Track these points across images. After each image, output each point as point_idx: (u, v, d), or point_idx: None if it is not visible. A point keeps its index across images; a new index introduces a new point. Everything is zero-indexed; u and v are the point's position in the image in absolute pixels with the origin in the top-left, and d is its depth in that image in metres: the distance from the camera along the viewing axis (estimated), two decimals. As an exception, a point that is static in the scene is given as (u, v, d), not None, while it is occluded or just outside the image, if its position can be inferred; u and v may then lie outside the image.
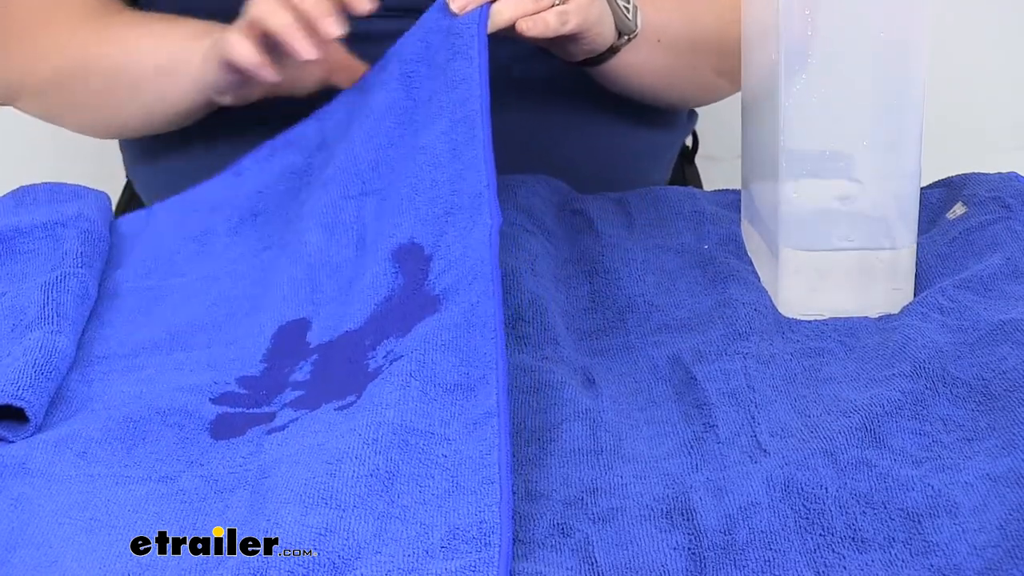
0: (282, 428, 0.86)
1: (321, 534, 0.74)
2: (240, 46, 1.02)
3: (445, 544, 0.75)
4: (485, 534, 0.74)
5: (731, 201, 1.12)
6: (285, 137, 1.07)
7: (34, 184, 1.11)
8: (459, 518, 0.76)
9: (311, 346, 0.93)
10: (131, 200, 1.36)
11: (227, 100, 1.10)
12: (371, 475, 0.78)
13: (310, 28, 0.99)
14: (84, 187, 1.11)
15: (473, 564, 0.73)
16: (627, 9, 1.09)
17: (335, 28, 0.99)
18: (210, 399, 0.90)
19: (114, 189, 1.33)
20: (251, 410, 0.89)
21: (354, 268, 0.97)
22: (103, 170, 1.51)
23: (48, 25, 1.17)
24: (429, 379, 0.84)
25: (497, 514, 0.75)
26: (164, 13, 1.16)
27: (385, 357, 0.88)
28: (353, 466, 0.78)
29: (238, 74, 1.05)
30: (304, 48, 1.00)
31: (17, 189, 1.11)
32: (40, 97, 1.20)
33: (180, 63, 1.11)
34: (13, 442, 0.86)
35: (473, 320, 0.86)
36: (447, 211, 0.93)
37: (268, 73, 1.02)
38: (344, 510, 0.75)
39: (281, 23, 1.00)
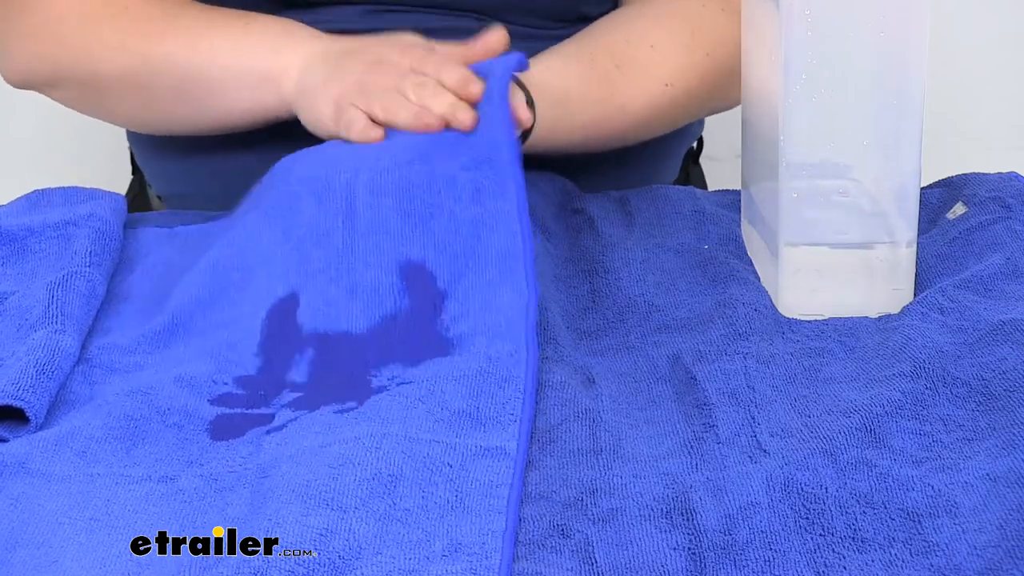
0: (281, 428, 0.86)
1: (322, 535, 0.74)
2: (366, 130, 1.00)
3: (447, 553, 0.75)
4: (488, 552, 0.75)
5: (731, 201, 1.12)
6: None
7: (49, 188, 1.11)
8: (462, 534, 0.76)
9: (303, 332, 0.93)
10: (138, 194, 1.35)
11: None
12: (373, 478, 0.78)
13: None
14: (99, 190, 1.10)
15: (474, 569, 0.73)
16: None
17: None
18: (208, 400, 0.90)
19: (120, 190, 1.33)
20: (249, 411, 0.89)
21: (344, 243, 0.95)
22: (114, 168, 1.51)
23: (105, 15, 1.13)
24: (438, 403, 0.85)
25: (500, 540, 0.76)
26: (228, 7, 1.12)
27: (391, 380, 0.89)
28: (355, 470, 0.78)
29: None
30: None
31: (32, 192, 1.10)
32: (85, 90, 1.17)
33: (265, 80, 1.08)
34: (10, 440, 0.86)
35: (491, 370, 0.88)
36: (467, 253, 0.93)
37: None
38: (345, 512, 0.75)
39: (414, 124, 0.99)
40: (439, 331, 0.91)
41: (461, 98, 0.99)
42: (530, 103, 1.03)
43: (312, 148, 1.01)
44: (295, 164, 1.00)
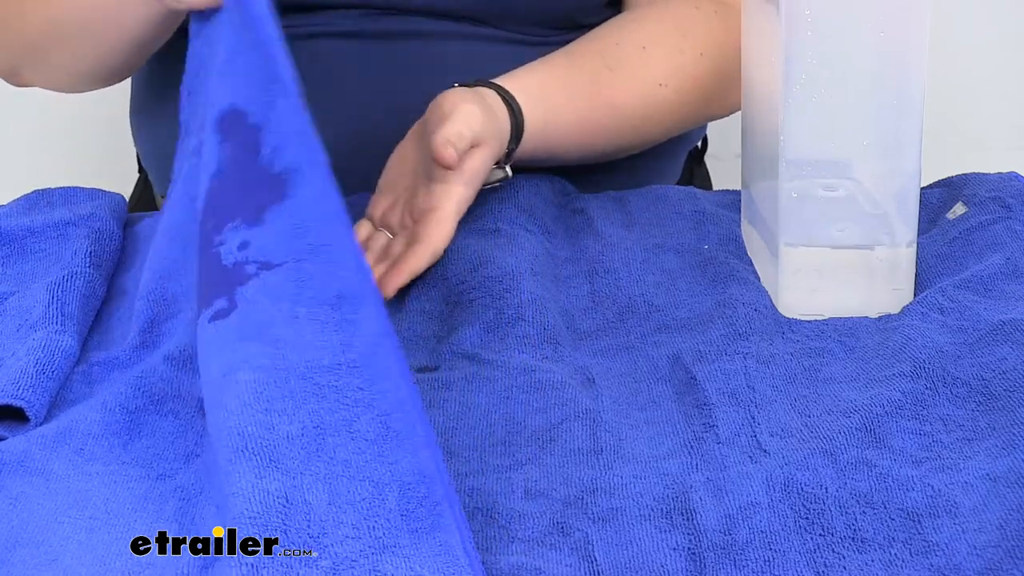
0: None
1: (284, 504, 0.73)
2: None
3: (403, 511, 0.74)
4: (431, 491, 0.74)
5: (731, 201, 1.12)
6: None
7: (49, 188, 1.11)
8: (403, 472, 0.75)
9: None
10: (143, 193, 1.35)
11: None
12: (302, 433, 0.76)
13: None
14: (99, 190, 1.10)
15: (437, 540, 0.73)
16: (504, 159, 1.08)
17: None
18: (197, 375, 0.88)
19: (126, 189, 1.33)
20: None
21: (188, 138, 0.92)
22: (115, 168, 1.51)
23: None
24: (312, 298, 0.81)
25: (433, 465, 0.75)
26: None
27: (241, 250, 0.83)
28: (282, 420, 0.76)
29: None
30: None
31: (32, 192, 1.11)
32: (31, 68, 1.18)
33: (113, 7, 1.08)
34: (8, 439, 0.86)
35: (329, 214, 0.82)
36: (271, 79, 0.86)
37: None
38: (294, 477, 0.74)
39: None
40: (266, 168, 0.84)
41: None
42: (514, 107, 1.04)
43: None
44: None
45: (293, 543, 0.72)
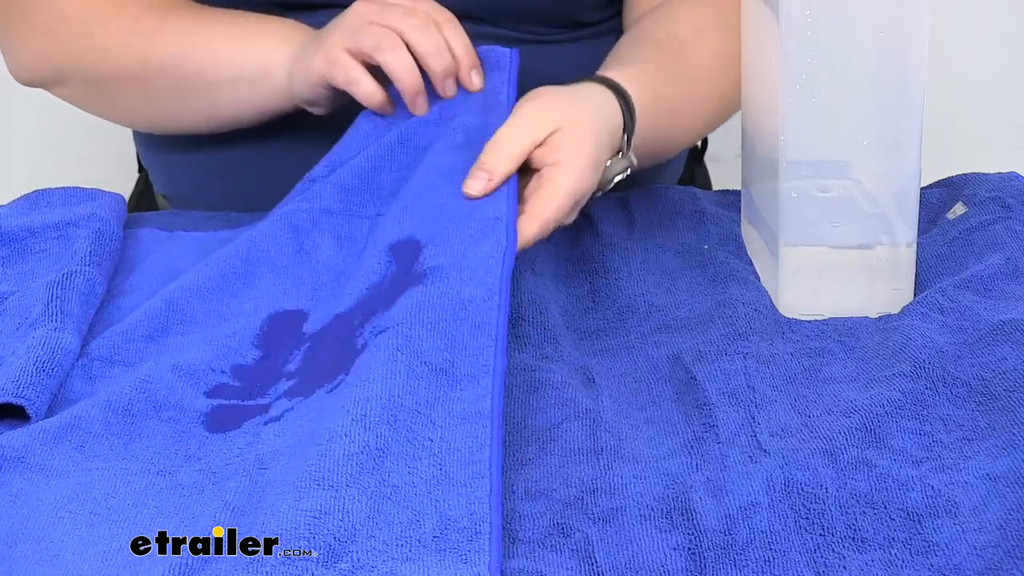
0: (278, 419, 0.86)
1: (316, 517, 0.74)
2: (366, 86, 1.02)
3: (437, 534, 0.75)
4: (476, 524, 0.75)
5: (731, 201, 1.12)
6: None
7: (49, 188, 1.11)
8: (450, 508, 0.76)
9: (305, 335, 0.94)
10: (143, 192, 1.35)
11: (320, 111, 1.09)
12: (362, 452, 0.78)
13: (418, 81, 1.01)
14: (99, 190, 1.11)
15: (464, 557, 0.73)
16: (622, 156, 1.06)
17: (451, 89, 1.03)
18: (204, 393, 0.90)
19: (126, 188, 1.33)
20: (245, 402, 0.89)
21: (354, 262, 0.97)
22: (115, 168, 1.51)
23: (106, 15, 1.13)
24: (415, 354, 0.85)
25: (487, 505, 0.76)
26: (227, 8, 1.13)
27: (371, 331, 0.88)
28: (343, 444, 0.78)
29: (338, 92, 1.04)
30: (421, 107, 1.03)
31: (32, 192, 1.11)
32: (88, 88, 1.17)
33: (262, 75, 1.09)
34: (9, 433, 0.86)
35: (463, 316, 0.87)
36: (452, 217, 0.94)
37: (390, 111, 1.04)
38: (337, 490, 0.76)
39: (403, 71, 1.01)
40: (415, 271, 0.91)
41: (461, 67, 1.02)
42: (631, 114, 1.04)
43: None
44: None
45: (319, 546, 0.73)
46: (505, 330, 0.87)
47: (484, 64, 1.04)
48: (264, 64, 1.09)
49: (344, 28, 1.03)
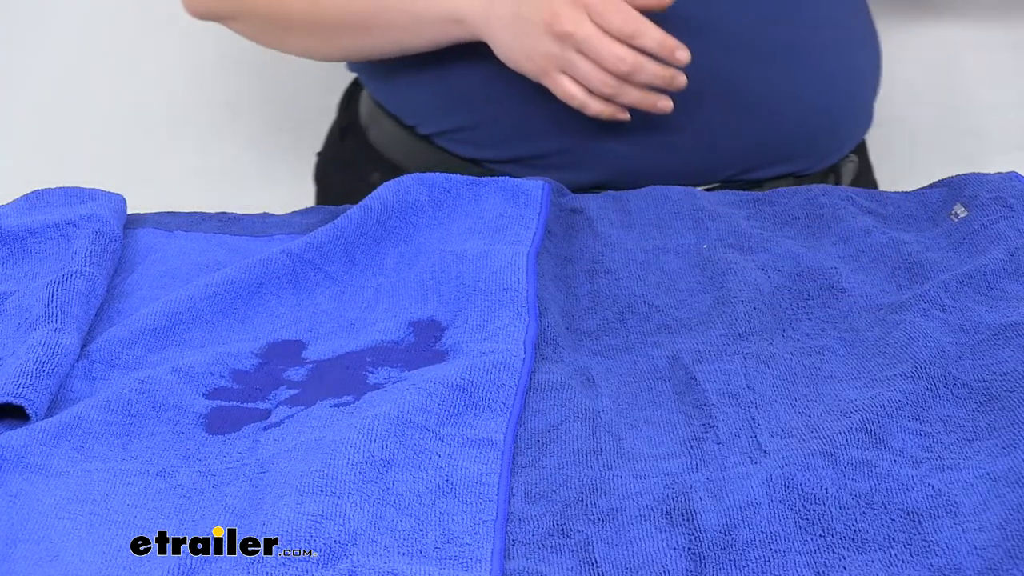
0: (278, 424, 0.86)
1: (317, 522, 0.74)
2: (596, 107, 1.11)
3: (439, 546, 0.75)
4: (479, 543, 0.75)
5: (731, 201, 1.12)
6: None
7: (49, 188, 1.11)
8: (454, 524, 0.77)
9: (307, 361, 0.94)
10: (348, 127, 1.34)
11: None
12: (366, 462, 0.79)
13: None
14: (99, 190, 1.11)
15: (465, 565, 0.74)
16: None
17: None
18: (203, 394, 0.90)
19: (123, 189, 1.33)
20: (245, 404, 0.90)
21: (362, 321, 0.98)
22: (115, 168, 1.51)
23: None
24: (431, 381, 0.86)
25: (492, 530, 0.76)
26: None
27: (387, 378, 0.90)
28: (348, 454, 0.79)
29: None
30: (666, 106, 1.10)
31: (32, 192, 1.11)
32: (268, 27, 1.20)
33: (453, 20, 1.13)
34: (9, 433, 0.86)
35: (486, 360, 0.89)
36: (470, 294, 0.96)
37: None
38: (339, 497, 0.76)
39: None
40: (436, 349, 0.93)
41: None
42: None
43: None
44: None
45: (320, 548, 0.73)
46: (527, 380, 0.89)
47: (515, 198, 1.07)
48: (450, 9, 1.13)
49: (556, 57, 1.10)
